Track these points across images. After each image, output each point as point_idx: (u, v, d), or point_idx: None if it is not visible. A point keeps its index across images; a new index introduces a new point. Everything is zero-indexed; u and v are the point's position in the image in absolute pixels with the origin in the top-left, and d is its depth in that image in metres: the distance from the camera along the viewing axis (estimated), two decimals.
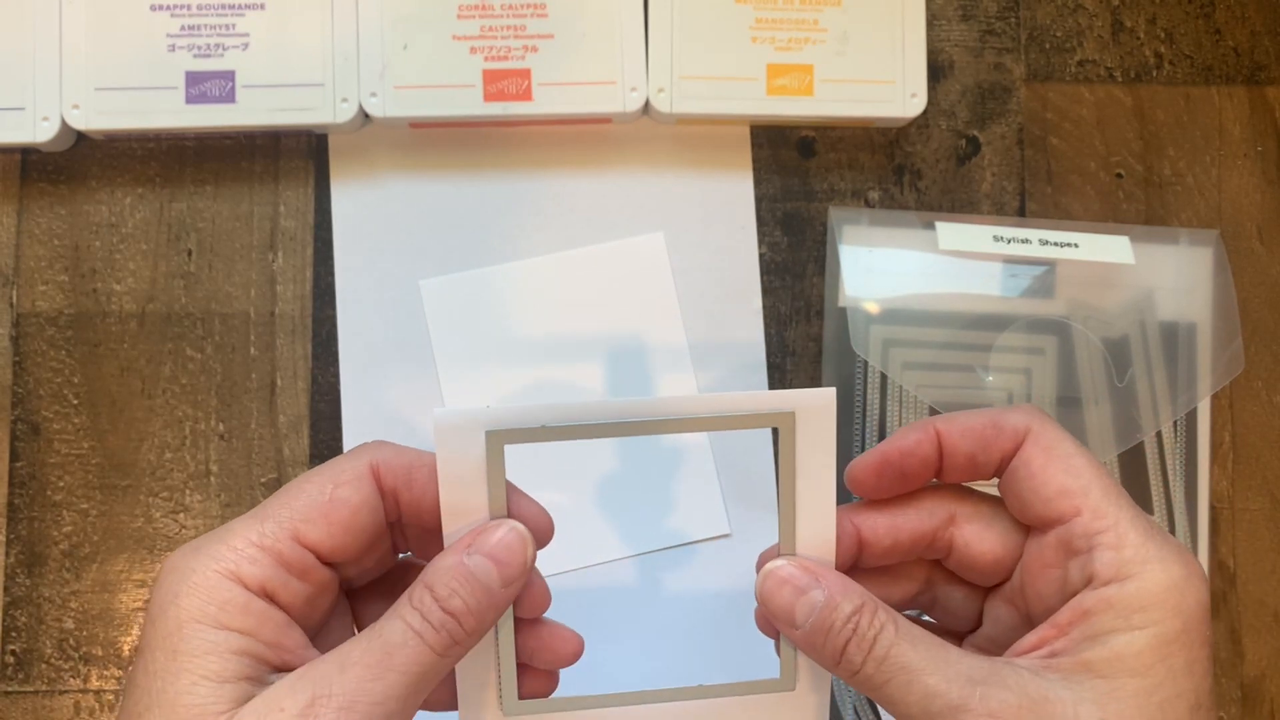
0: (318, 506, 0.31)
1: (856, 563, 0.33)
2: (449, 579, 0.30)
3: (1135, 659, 0.28)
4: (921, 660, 0.29)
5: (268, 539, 0.30)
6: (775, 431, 0.36)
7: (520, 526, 0.32)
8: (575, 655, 0.34)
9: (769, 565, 0.32)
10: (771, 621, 0.32)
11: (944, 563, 0.34)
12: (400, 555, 0.35)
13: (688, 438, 0.47)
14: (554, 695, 0.34)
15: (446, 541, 0.31)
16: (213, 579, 0.29)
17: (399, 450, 0.32)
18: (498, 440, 0.31)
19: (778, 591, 0.31)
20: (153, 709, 0.28)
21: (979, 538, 0.33)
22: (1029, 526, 0.32)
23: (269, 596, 0.30)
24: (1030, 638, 0.30)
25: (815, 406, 0.32)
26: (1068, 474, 0.30)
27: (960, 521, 0.33)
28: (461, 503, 0.31)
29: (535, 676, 0.34)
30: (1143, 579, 0.29)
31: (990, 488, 0.34)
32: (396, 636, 0.29)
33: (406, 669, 0.29)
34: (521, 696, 0.33)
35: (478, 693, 0.33)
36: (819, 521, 0.32)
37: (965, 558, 0.33)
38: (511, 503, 0.32)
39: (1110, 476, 0.31)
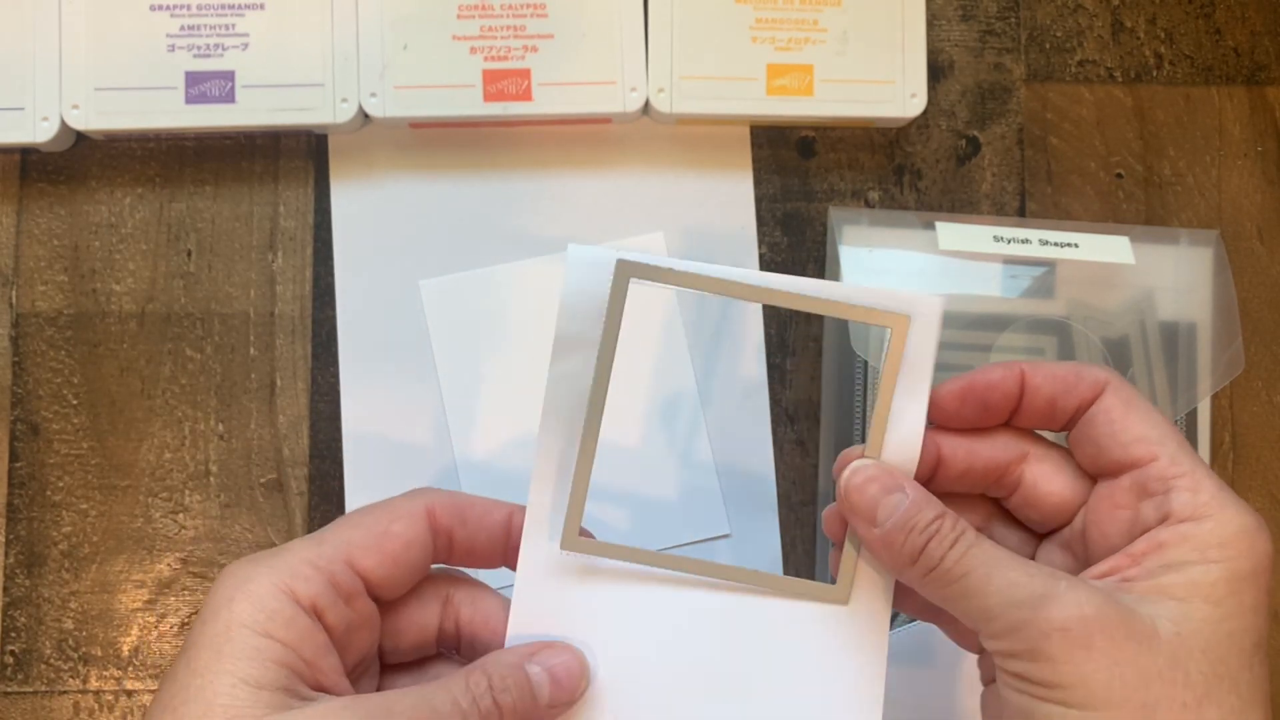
0: (373, 537, 0.32)
1: (929, 482, 0.34)
2: (507, 674, 0.32)
3: (1210, 588, 0.29)
4: (1004, 556, 0.30)
5: (323, 560, 0.32)
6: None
7: (583, 656, 0.33)
8: None
9: (857, 462, 0.33)
10: (850, 517, 0.33)
11: (1005, 503, 0.35)
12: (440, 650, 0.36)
13: (688, 437, 0.47)
14: (608, 540, 0.34)
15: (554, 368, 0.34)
16: (267, 588, 0.31)
17: (450, 493, 0.34)
18: (626, 271, 0.33)
19: (864, 487, 0.32)
20: (190, 704, 0.29)
21: (1048, 478, 0.34)
22: (1097, 475, 0.33)
23: (317, 615, 0.31)
24: (1102, 565, 0.31)
25: (926, 314, 0.33)
26: (1146, 423, 0.32)
27: (1032, 460, 0.34)
28: (574, 335, 0.33)
29: None
30: (1218, 520, 0.30)
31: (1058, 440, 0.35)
32: (444, 706, 0.31)
33: None
34: None
35: (542, 524, 0.34)
36: (907, 432, 0.33)
37: (1032, 497, 0.34)
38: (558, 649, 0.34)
39: (1182, 434, 0.32)
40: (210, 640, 0.30)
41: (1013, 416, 0.34)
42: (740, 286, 0.33)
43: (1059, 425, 0.34)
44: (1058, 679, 0.29)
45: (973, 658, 0.36)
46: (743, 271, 0.33)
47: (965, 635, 0.35)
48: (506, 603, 0.35)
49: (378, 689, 0.34)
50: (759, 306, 0.48)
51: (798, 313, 0.48)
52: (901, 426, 0.33)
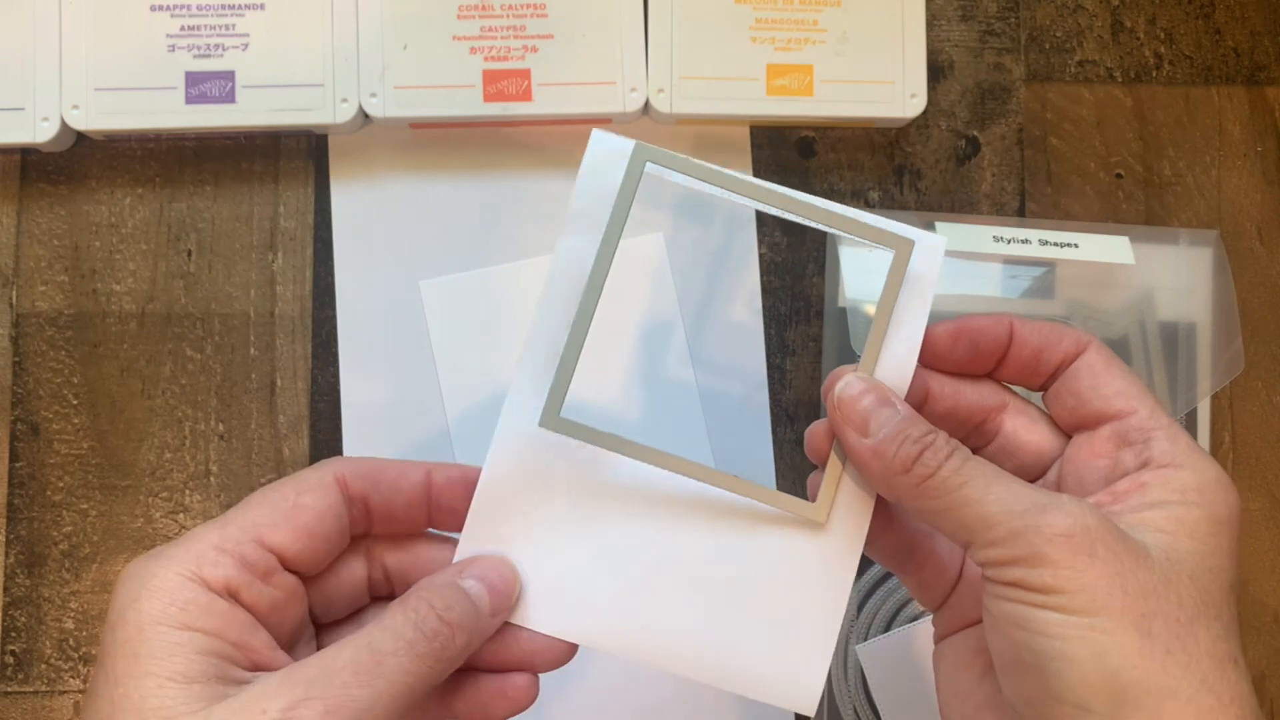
0: (281, 512, 0.31)
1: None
2: (444, 593, 0.31)
3: (1193, 526, 0.30)
4: (1000, 470, 0.31)
5: (229, 542, 0.30)
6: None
7: (510, 562, 0.33)
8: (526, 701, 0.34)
9: (850, 375, 0.33)
10: (841, 428, 0.32)
11: (982, 452, 0.35)
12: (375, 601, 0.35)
13: (689, 436, 0.47)
14: (594, 426, 0.34)
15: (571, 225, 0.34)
16: (174, 580, 0.29)
17: (361, 459, 0.33)
18: (642, 154, 0.34)
19: (858, 398, 0.32)
20: (116, 715, 0.28)
21: (1026, 429, 0.34)
22: (1074, 428, 0.34)
23: (233, 596, 0.30)
24: (1089, 500, 0.32)
25: (929, 247, 0.34)
26: (1125, 380, 0.33)
27: (1011, 411, 0.35)
28: (585, 215, 0.34)
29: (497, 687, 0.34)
30: (1196, 469, 0.31)
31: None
32: (388, 644, 0.29)
33: (395, 678, 0.29)
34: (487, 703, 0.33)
35: (525, 401, 0.34)
36: (900, 359, 0.33)
37: (1010, 445, 0.34)
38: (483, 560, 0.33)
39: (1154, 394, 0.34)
40: (124, 645, 0.28)
41: (997, 367, 0.34)
42: (751, 187, 0.34)
43: (1038, 381, 0.34)
44: (1058, 584, 0.29)
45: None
46: (754, 179, 0.34)
47: (927, 587, 0.35)
48: (434, 540, 0.34)
49: (317, 650, 0.33)
50: (758, 306, 0.48)
51: (798, 312, 0.48)
52: (896, 350, 0.33)
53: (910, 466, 0.31)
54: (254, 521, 0.31)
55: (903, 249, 0.33)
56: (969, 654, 0.34)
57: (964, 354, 0.34)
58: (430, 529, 0.35)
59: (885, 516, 0.34)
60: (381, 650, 0.29)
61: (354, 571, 0.34)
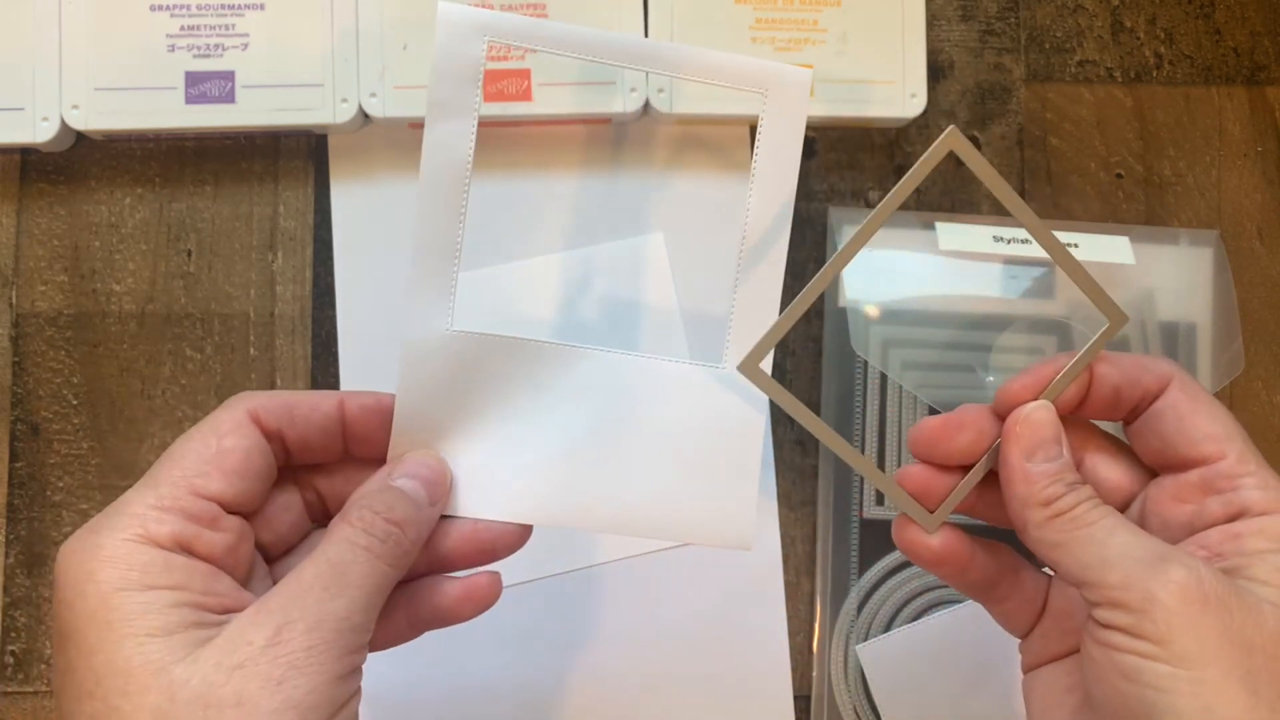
0: (207, 459, 0.31)
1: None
2: (383, 496, 0.32)
3: None
4: (1125, 521, 0.31)
5: (166, 499, 0.30)
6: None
7: (436, 453, 0.34)
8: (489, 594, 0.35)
9: (1043, 400, 0.33)
10: (1011, 438, 0.33)
11: None
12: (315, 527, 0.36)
13: None
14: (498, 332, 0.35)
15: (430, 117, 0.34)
16: (124, 547, 0.29)
17: (272, 394, 0.34)
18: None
19: (1042, 427, 0.33)
20: (103, 682, 0.28)
21: (1107, 465, 0.34)
22: (1158, 468, 0.34)
23: (187, 550, 0.30)
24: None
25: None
26: (1213, 420, 0.32)
27: (1092, 449, 0.35)
28: (447, 101, 0.34)
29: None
30: None
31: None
32: (346, 555, 0.31)
33: (362, 583, 0.30)
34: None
35: (427, 300, 0.34)
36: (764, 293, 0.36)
37: (1090, 480, 0.34)
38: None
39: (1243, 428, 0.33)
40: (92, 617, 0.28)
41: (1079, 407, 0.34)
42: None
43: (1119, 416, 0.34)
44: (1169, 635, 0.29)
45: (974, 660, 0.37)
46: (603, 33, 0.34)
47: (1012, 617, 0.36)
48: (361, 462, 0.35)
49: (273, 584, 0.33)
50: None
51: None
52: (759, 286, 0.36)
53: (1051, 502, 0.32)
54: (183, 474, 0.31)
55: (1117, 321, 0.34)
56: (1060, 691, 0.34)
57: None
58: (350, 455, 0.35)
59: (973, 547, 0.34)
60: (342, 561, 0.30)
61: (290, 501, 0.35)
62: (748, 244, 0.37)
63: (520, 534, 0.35)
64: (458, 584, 0.34)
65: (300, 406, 0.33)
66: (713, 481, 0.36)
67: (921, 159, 0.32)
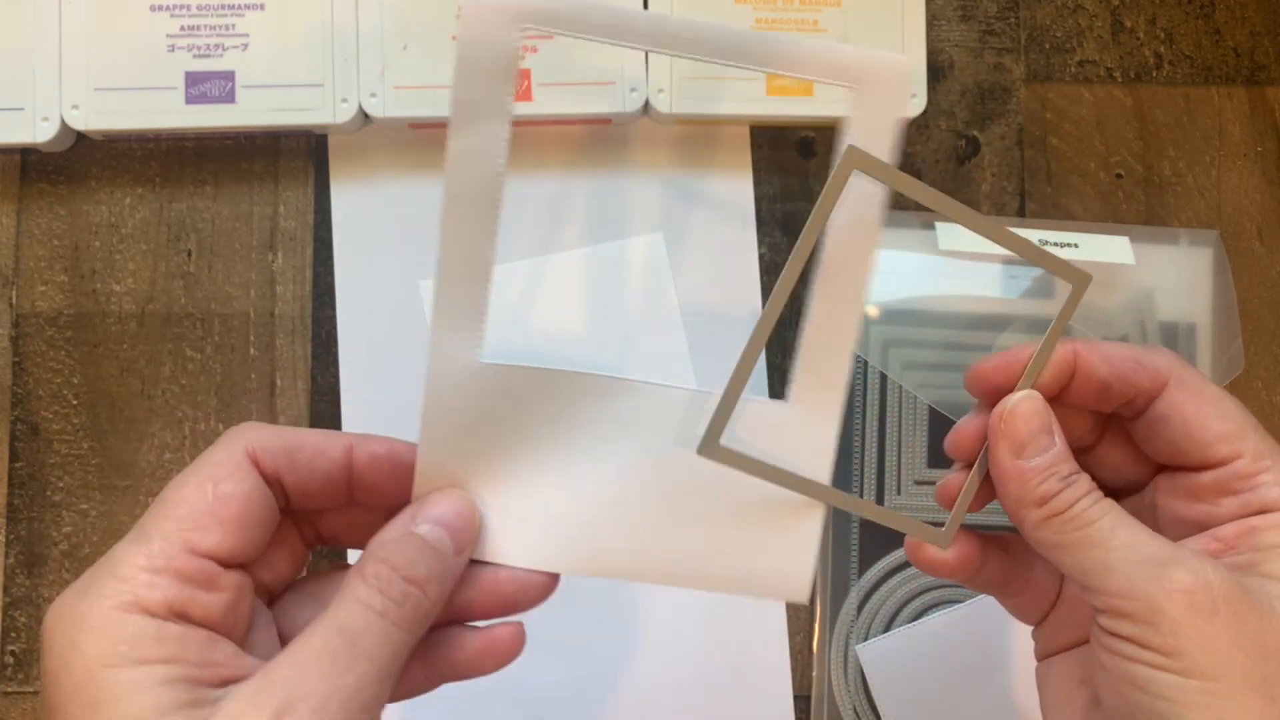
0: (203, 510, 0.28)
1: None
2: (404, 549, 0.29)
3: None
4: (1130, 518, 0.30)
5: (158, 559, 0.27)
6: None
7: (464, 493, 0.31)
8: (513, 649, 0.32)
9: (1027, 392, 0.31)
10: (998, 439, 0.31)
11: None
12: (313, 550, 0.33)
13: None
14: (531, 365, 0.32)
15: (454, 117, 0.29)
16: (111, 616, 0.26)
17: (274, 431, 0.30)
18: (855, 160, 0.30)
19: (1031, 417, 0.31)
20: None
21: (1111, 449, 0.33)
22: (1168, 465, 0.32)
23: (181, 616, 0.27)
24: (1191, 545, 0.30)
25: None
26: (1222, 418, 0.30)
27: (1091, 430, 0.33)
28: (475, 101, 0.29)
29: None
30: None
31: None
32: (358, 621, 0.27)
33: (375, 654, 0.27)
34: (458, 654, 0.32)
35: (454, 327, 0.31)
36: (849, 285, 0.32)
37: (1094, 466, 0.33)
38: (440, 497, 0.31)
39: (1254, 418, 0.31)
40: (76, 694, 0.26)
41: (1061, 394, 0.32)
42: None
43: (1110, 409, 0.32)
44: (1177, 645, 0.28)
45: (974, 660, 0.36)
46: (666, 17, 0.30)
47: (1025, 610, 0.34)
48: (369, 508, 0.32)
49: (278, 633, 0.31)
50: (759, 306, 0.48)
51: (798, 313, 0.48)
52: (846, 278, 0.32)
53: (1047, 500, 0.30)
54: (177, 528, 0.28)
55: (1081, 284, 0.31)
56: (1072, 683, 0.33)
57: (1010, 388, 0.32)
58: (354, 502, 0.32)
59: (986, 549, 0.33)
60: (353, 629, 0.27)
61: (290, 539, 0.32)
62: (825, 265, 0.32)
63: (546, 586, 0.31)
64: (478, 635, 0.31)
65: (304, 451, 0.30)
66: (769, 527, 0.32)
67: (825, 189, 0.30)
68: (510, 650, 0.31)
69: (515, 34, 0.29)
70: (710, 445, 0.30)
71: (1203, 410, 0.30)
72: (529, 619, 0.32)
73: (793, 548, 0.32)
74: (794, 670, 0.47)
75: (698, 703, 0.46)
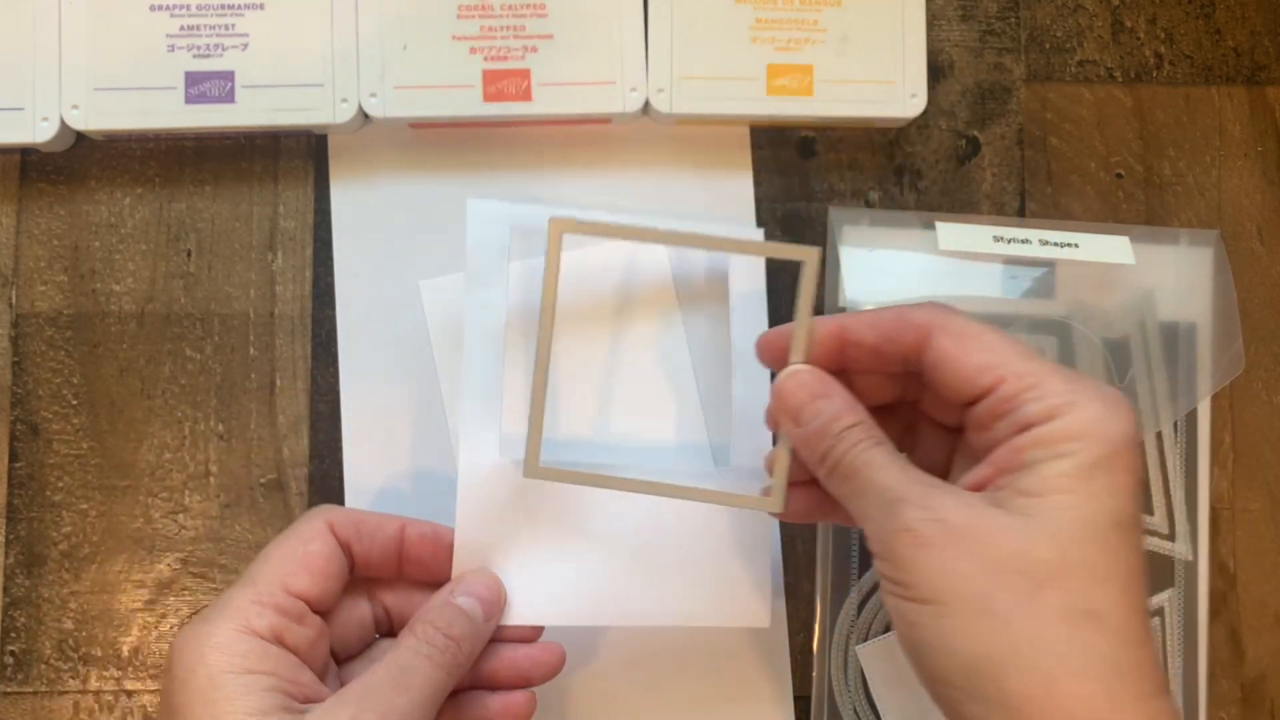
0: (296, 561, 0.37)
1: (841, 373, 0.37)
2: (445, 613, 0.38)
3: (1058, 480, 0.30)
4: (889, 463, 0.33)
5: (264, 596, 0.36)
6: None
7: (494, 574, 0.40)
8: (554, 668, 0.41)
9: (794, 366, 0.36)
10: (780, 415, 0.36)
11: (913, 450, 0.38)
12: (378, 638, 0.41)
13: (687, 437, 0.47)
14: (570, 468, 0.40)
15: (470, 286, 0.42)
16: (231, 635, 0.34)
17: (345, 510, 0.39)
18: (559, 227, 0.38)
19: (795, 390, 0.35)
20: None
21: (933, 406, 0.37)
22: (961, 404, 0.34)
23: (279, 641, 0.35)
24: (971, 477, 0.33)
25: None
26: (982, 350, 0.33)
27: (925, 403, 0.37)
28: (485, 272, 0.41)
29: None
30: (1067, 416, 0.31)
31: None
32: (411, 660, 0.36)
33: (423, 685, 0.35)
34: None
35: (479, 439, 0.41)
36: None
37: (931, 424, 0.37)
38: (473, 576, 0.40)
39: (1025, 344, 0.33)
40: (197, 695, 0.33)
41: (845, 363, 0.36)
42: (662, 234, 0.39)
43: (890, 370, 0.36)
44: (906, 577, 0.31)
45: None
46: (662, 222, 0.39)
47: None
48: (421, 585, 0.40)
49: (341, 683, 0.38)
50: (764, 313, 0.48)
51: None
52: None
53: (825, 458, 0.34)
54: (276, 573, 0.36)
55: (811, 259, 0.37)
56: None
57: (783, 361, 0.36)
58: (400, 575, 0.40)
59: (822, 496, 0.36)
60: (408, 665, 0.36)
61: (360, 610, 0.40)
62: (735, 362, 0.43)
63: (555, 666, 0.40)
64: (498, 700, 0.39)
65: (367, 525, 0.39)
66: (731, 568, 0.41)
67: (546, 260, 0.39)
68: (524, 713, 0.39)
69: (504, 231, 0.42)
70: (532, 469, 0.38)
71: (963, 346, 0.33)
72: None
73: (748, 583, 0.41)
74: (794, 670, 0.47)
75: (698, 702, 0.46)
